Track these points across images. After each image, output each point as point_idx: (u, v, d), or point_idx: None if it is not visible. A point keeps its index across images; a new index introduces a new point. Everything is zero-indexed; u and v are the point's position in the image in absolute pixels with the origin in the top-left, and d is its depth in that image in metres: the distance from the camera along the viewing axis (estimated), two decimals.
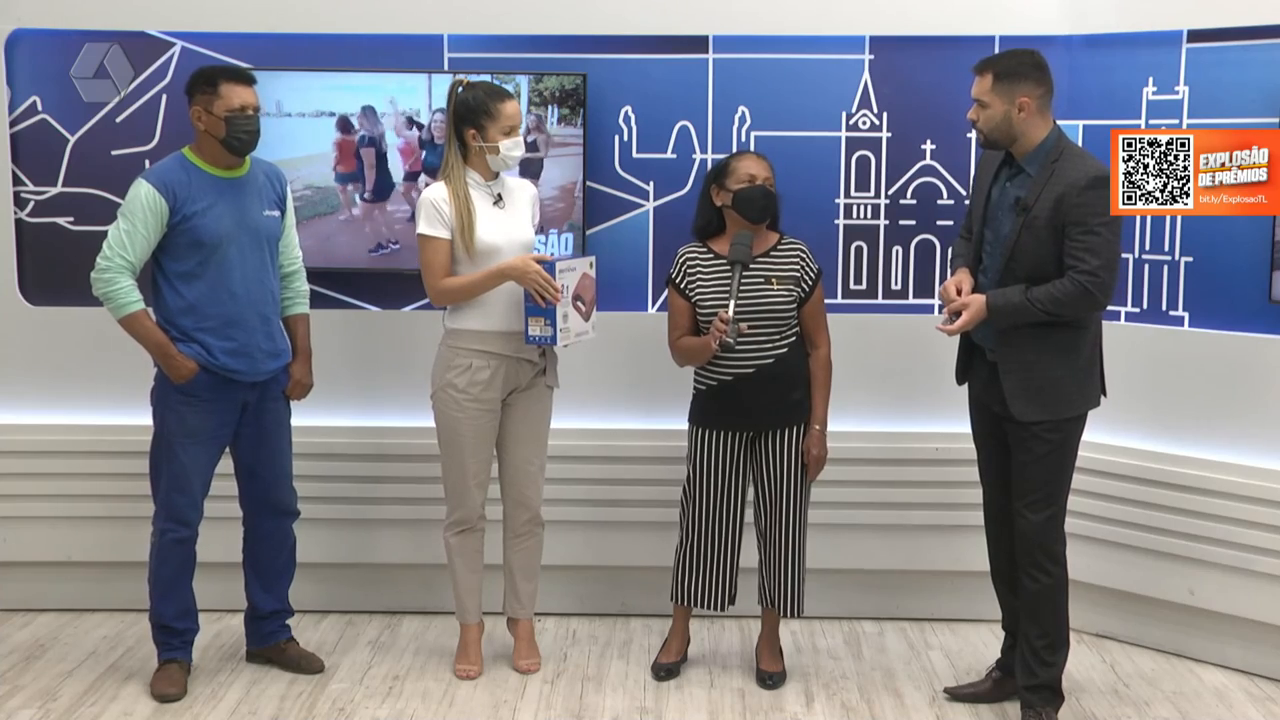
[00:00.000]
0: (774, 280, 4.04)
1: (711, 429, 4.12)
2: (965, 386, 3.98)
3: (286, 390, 4.14)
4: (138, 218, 3.86)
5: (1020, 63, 3.71)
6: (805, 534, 4.15)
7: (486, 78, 4.15)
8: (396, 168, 4.57)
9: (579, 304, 4.01)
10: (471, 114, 3.98)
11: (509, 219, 4.06)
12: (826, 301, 4.56)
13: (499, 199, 4.07)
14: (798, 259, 4.09)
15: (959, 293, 3.75)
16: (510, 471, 4.20)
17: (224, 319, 3.94)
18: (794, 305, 4.06)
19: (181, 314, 3.93)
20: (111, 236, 3.89)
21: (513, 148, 4.00)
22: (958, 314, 3.72)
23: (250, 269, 3.98)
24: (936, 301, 4.63)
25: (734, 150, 4.50)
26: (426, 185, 4.19)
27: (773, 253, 4.09)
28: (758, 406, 4.07)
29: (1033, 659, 3.82)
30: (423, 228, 3.99)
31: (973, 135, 4.53)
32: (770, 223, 4.11)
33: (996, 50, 4.12)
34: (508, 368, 4.08)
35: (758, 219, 4.04)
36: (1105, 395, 3.84)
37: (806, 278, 4.08)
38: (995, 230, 3.77)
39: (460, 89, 4.02)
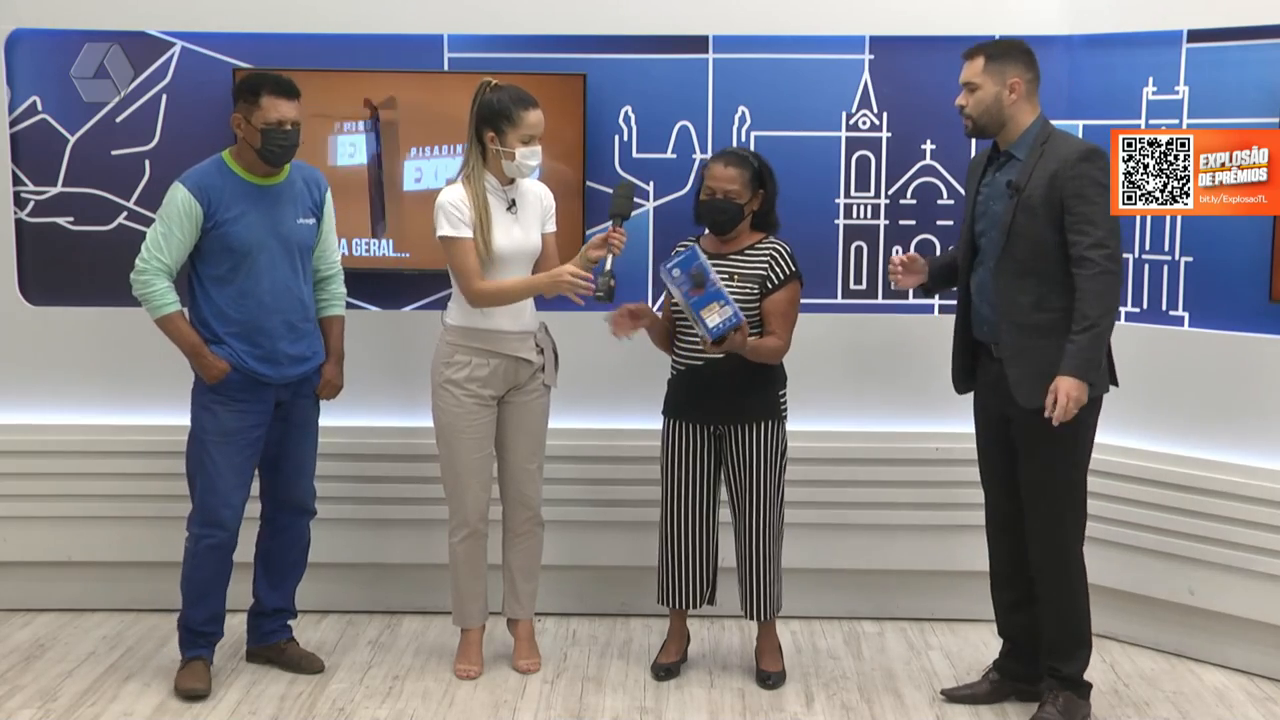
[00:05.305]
0: (735, 278, 4.02)
1: (674, 419, 4.15)
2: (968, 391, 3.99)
3: (317, 390, 4.17)
4: (174, 221, 3.90)
5: (1011, 46, 3.79)
6: (773, 536, 4.12)
7: (493, 80, 4.11)
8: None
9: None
10: (494, 117, 3.96)
11: (519, 227, 4.06)
12: (827, 301, 4.58)
13: (512, 204, 4.06)
14: (767, 259, 4.05)
15: (902, 265, 3.97)
16: (509, 470, 4.20)
17: (250, 325, 3.96)
18: (752, 305, 4.02)
19: (213, 317, 3.97)
20: (149, 239, 3.93)
21: (529, 156, 3.98)
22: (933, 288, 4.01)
23: (279, 277, 4.00)
24: (936, 301, 4.63)
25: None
26: None
27: (747, 251, 4.07)
28: (710, 401, 4.07)
29: (1050, 654, 3.86)
30: (447, 230, 3.96)
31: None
32: (757, 224, 4.09)
33: None
34: (507, 366, 4.08)
35: (717, 231, 4.07)
36: (1116, 384, 3.83)
37: (773, 277, 4.04)
38: (990, 219, 3.79)
39: (487, 90, 4.00)
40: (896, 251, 4.07)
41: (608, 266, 3.91)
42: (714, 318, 3.84)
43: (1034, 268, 3.68)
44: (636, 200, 4.50)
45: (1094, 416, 3.80)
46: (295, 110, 3.94)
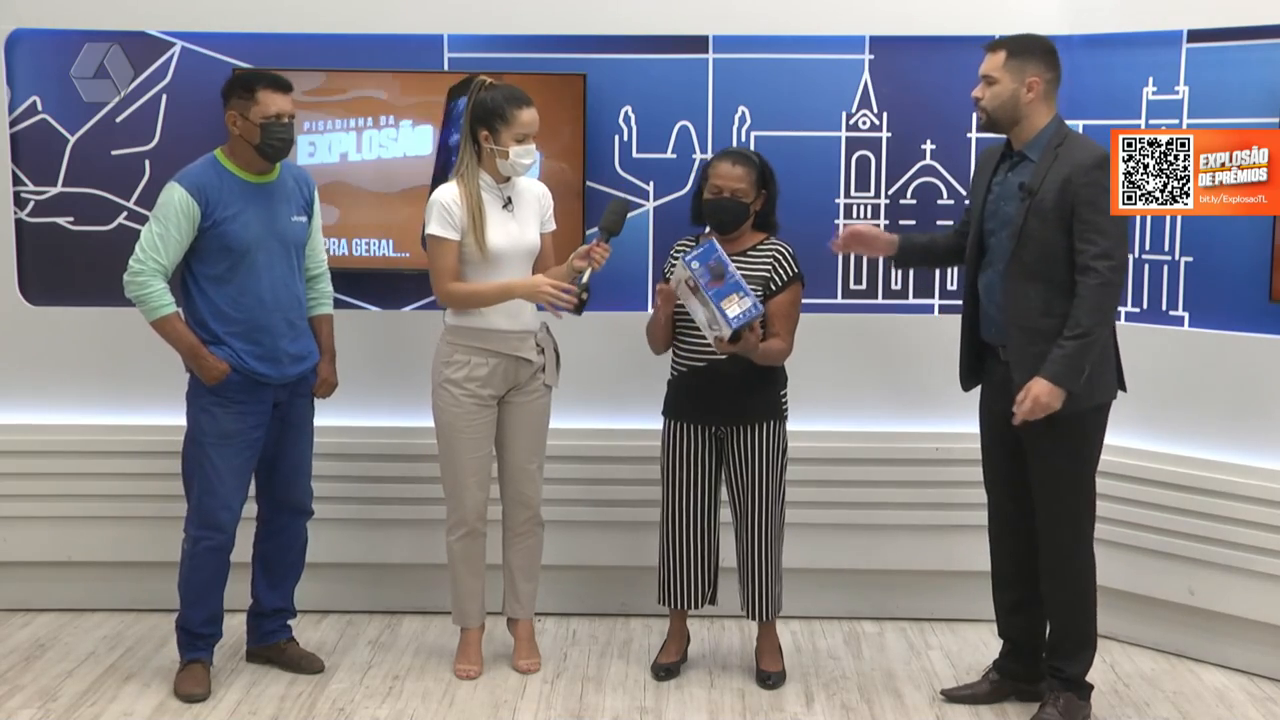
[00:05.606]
0: None
1: (676, 420, 4.15)
2: (971, 391, 3.99)
3: (314, 389, 4.17)
4: (170, 221, 3.88)
5: (1034, 44, 3.77)
6: (773, 536, 4.12)
7: (488, 79, 4.11)
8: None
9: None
10: (487, 115, 3.96)
11: (516, 224, 4.06)
12: (827, 301, 4.57)
13: (508, 202, 4.06)
14: (771, 261, 4.06)
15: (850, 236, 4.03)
16: (509, 470, 4.20)
17: (251, 324, 3.95)
18: None
19: (211, 318, 3.95)
20: (144, 239, 3.90)
21: (523, 155, 3.98)
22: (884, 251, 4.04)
23: (278, 275, 4.00)
24: (936, 301, 4.64)
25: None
26: None
27: (750, 252, 4.07)
28: (713, 402, 4.07)
29: (1053, 654, 3.88)
30: (433, 229, 3.98)
31: (973, 136, 4.55)
32: (759, 224, 4.10)
33: None
34: (506, 365, 4.08)
35: (722, 231, 4.05)
36: (1124, 389, 3.83)
37: (776, 278, 4.04)
38: (1000, 220, 3.77)
39: (482, 88, 4.00)
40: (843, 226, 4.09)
41: (584, 279, 3.92)
42: (734, 308, 3.83)
43: (1042, 272, 3.67)
44: (636, 201, 4.52)
45: (1103, 418, 3.80)
46: (290, 104, 3.95)
